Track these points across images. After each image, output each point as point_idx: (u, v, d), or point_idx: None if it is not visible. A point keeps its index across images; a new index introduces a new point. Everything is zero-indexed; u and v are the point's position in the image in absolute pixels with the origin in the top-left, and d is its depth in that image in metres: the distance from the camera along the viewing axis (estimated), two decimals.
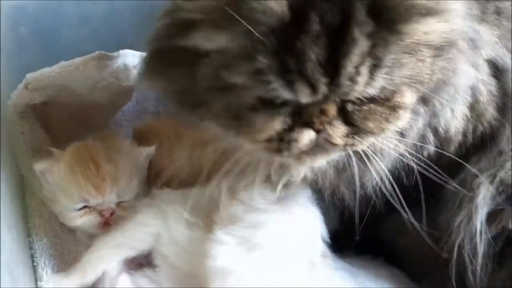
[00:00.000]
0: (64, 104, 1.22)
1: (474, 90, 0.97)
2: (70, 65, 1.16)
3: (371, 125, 0.82)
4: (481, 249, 0.99)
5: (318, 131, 0.81)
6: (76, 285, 1.04)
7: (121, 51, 1.23)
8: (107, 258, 1.05)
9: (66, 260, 1.08)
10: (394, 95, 0.81)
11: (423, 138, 0.96)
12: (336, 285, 0.98)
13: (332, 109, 0.80)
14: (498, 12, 0.99)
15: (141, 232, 1.06)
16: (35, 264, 1.06)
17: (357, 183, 0.95)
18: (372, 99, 0.80)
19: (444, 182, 0.95)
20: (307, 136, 0.81)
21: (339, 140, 0.82)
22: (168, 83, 0.88)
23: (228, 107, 0.82)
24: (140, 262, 1.09)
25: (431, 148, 0.98)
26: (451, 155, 0.98)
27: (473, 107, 0.98)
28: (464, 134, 1.00)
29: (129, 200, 1.12)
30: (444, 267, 1.00)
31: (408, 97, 0.82)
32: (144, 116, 1.36)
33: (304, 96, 0.77)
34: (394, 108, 0.82)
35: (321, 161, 0.88)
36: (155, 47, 0.87)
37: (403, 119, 0.85)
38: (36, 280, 1.04)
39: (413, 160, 0.93)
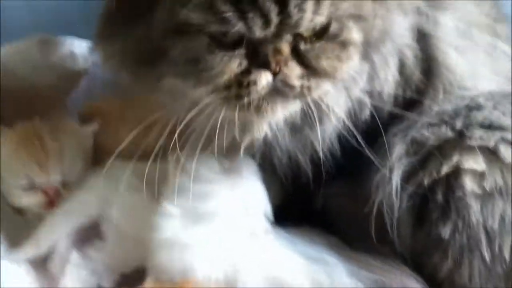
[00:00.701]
0: (10, 90, 1.24)
1: (401, 54, 1.04)
2: (13, 48, 1.22)
3: (324, 63, 0.86)
4: (398, 207, 1.03)
5: (274, 74, 0.84)
6: (30, 255, 1.07)
7: (68, 39, 1.29)
8: (59, 226, 1.08)
9: (17, 241, 1.10)
10: (342, 31, 0.86)
11: (361, 101, 1.02)
12: (276, 252, 1.01)
13: (285, 47, 0.83)
14: None
15: (90, 195, 1.09)
16: None
17: (318, 136, 0.99)
18: (322, 36, 0.85)
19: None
20: (264, 78, 0.84)
21: (295, 81, 0.85)
22: (126, 38, 0.91)
23: (186, 50, 0.85)
24: (89, 237, 1.10)
25: (367, 111, 1.04)
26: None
27: (402, 71, 1.05)
28: (396, 97, 1.06)
29: (74, 180, 1.15)
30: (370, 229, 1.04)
31: (355, 33, 0.87)
32: None
33: (257, 28, 0.80)
34: (344, 44, 0.87)
35: (281, 111, 0.91)
36: (108, 8, 0.91)
37: (354, 58, 0.90)
38: None
39: (353, 122, 1.00)
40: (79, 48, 1.30)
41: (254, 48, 0.84)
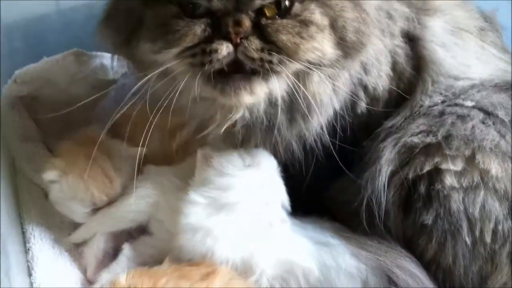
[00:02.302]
0: (49, 99, 1.37)
1: (393, 54, 1.15)
2: (51, 60, 1.34)
3: (284, 38, 0.94)
4: (385, 200, 1.12)
5: (236, 45, 0.93)
6: (77, 241, 1.20)
7: (99, 53, 1.40)
8: (107, 225, 1.19)
9: (50, 227, 1.22)
10: (303, 12, 0.94)
11: (356, 95, 1.12)
12: (289, 238, 1.10)
13: (245, 21, 0.92)
14: None
15: (143, 203, 1.16)
16: (24, 230, 1.20)
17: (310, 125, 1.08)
18: (284, 16, 0.94)
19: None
20: (225, 47, 0.92)
21: (254, 53, 0.93)
22: (117, 18, 1.03)
23: (156, 16, 0.95)
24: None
25: (363, 104, 1.14)
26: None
27: (394, 68, 1.16)
28: (390, 92, 1.16)
29: None
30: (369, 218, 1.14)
31: (318, 16, 0.96)
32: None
33: None
34: (305, 23, 0.95)
35: (246, 92, 0.98)
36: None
37: (317, 39, 0.96)
38: (25, 243, 1.18)
39: (347, 116, 1.10)
40: (108, 61, 1.41)
41: (218, 21, 0.92)
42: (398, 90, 1.16)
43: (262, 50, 0.93)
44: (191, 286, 1.01)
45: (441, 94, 1.18)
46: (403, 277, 1.09)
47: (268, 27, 0.93)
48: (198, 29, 0.93)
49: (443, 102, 1.17)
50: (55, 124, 1.37)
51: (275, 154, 1.15)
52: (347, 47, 1.00)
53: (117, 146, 1.25)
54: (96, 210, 1.20)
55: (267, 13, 0.93)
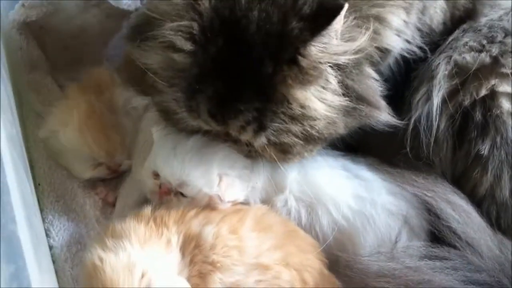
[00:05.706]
0: (59, 31, 1.27)
1: None
2: None
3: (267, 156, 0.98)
4: (436, 124, 1.06)
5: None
6: None
7: None
8: None
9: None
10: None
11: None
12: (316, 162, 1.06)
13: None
14: None
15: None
16: (33, 165, 1.14)
17: None
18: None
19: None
20: None
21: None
22: None
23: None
24: None
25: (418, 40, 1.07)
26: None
27: None
28: (444, 23, 1.10)
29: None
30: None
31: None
32: None
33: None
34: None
35: None
36: None
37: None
38: (34, 177, 1.12)
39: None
40: None
41: None
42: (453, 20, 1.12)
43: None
44: (223, 217, 0.96)
45: (490, 11, 1.13)
46: (453, 214, 1.02)
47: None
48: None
49: (491, 18, 1.12)
50: (64, 58, 1.30)
51: None
52: None
53: (122, 96, 1.18)
54: (97, 165, 1.14)
55: None
